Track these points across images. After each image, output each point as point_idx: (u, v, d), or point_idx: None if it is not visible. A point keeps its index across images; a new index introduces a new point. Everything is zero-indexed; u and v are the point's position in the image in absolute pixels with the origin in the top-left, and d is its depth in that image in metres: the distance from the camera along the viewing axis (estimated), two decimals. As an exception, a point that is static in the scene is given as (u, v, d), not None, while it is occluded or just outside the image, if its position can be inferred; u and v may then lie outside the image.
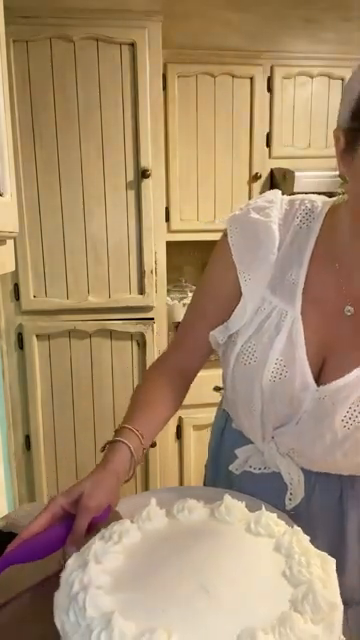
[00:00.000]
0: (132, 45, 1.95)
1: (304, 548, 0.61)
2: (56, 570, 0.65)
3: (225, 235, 0.89)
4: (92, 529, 0.70)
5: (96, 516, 0.71)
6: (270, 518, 0.66)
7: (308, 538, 0.63)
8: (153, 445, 2.23)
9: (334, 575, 0.57)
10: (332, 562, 0.59)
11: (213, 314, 0.91)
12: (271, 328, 0.83)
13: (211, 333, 0.92)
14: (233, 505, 0.68)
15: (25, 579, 0.67)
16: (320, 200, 0.88)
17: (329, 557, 0.60)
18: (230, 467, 0.95)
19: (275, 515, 0.67)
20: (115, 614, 0.48)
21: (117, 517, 0.74)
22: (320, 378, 0.82)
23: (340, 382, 0.79)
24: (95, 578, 0.54)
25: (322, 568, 0.57)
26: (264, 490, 0.88)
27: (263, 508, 0.68)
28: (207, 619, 0.51)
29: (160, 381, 0.94)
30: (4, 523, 0.84)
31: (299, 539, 0.62)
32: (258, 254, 0.85)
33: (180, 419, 2.32)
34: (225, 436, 1.01)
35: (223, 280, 0.89)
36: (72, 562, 0.59)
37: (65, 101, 1.97)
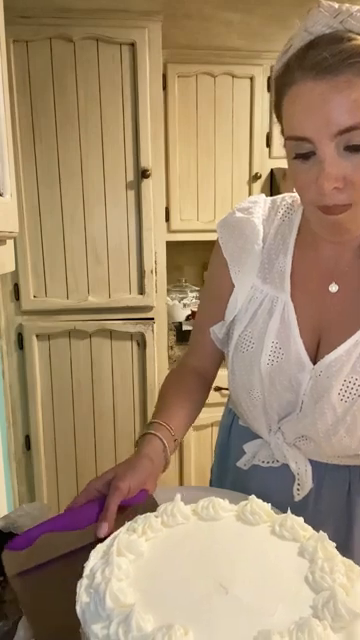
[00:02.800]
0: (132, 45, 1.95)
1: (329, 554, 0.60)
2: (89, 542, 0.69)
3: (217, 238, 0.96)
4: (127, 510, 0.73)
5: (131, 497, 0.74)
6: (296, 521, 0.65)
7: (334, 544, 0.62)
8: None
9: (359, 583, 0.56)
10: (358, 570, 0.58)
11: (217, 314, 0.95)
12: (264, 314, 0.87)
13: (211, 329, 0.96)
14: (260, 506, 0.68)
15: (61, 547, 0.70)
16: None
17: (355, 565, 0.59)
18: (238, 463, 0.97)
19: (301, 519, 0.66)
20: (135, 607, 0.49)
21: (153, 503, 0.77)
22: (316, 357, 0.85)
23: (331, 356, 0.81)
24: (117, 570, 0.55)
25: (347, 576, 0.56)
26: (272, 484, 0.90)
27: (289, 511, 0.66)
28: (224, 619, 0.51)
29: (181, 382, 0.99)
30: (4, 523, 0.84)
31: (324, 545, 0.61)
32: (245, 247, 0.91)
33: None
34: (232, 433, 1.04)
35: (220, 279, 0.94)
36: (96, 552, 0.60)
37: (65, 101, 1.97)
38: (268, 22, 2.20)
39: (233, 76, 2.29)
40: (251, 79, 2.30)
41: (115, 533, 0.64)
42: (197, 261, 2.79)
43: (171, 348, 2.34)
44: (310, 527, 0.65)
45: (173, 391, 0.97)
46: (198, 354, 1.02)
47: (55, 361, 2.17)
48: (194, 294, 2.74)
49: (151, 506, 0.75)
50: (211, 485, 1.12)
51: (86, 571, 0.57)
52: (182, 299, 2.70)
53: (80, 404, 2.21)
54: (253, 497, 0.70)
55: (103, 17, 1.92)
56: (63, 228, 2.06)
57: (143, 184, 2.05)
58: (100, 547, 0.61)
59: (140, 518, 0.66)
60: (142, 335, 2.17)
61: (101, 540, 0.65)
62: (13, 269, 0.90)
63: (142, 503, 0.75)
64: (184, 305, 2.67)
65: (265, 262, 0.90)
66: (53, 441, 2.22)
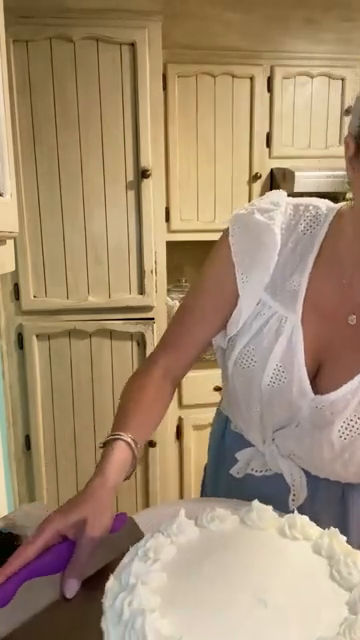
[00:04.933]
0: (132, 45, 1.95)
1: (346, 549, 0.59)
2: (54, 598, 0.62)
3: (226, 234, 0.87)
4: (106, 540, 0.66)
5: (114, 526, 0.68)
6: (304, 520, 0.63)
7: (345, 538, 0.61)
8: (153, 445, 2.23)
9: None
10: None
11: (212, 314, 0.89)
12: (270, 333, 0.82)
13: (214, 340, 0.91)
14: (263, 510, 0.65)
15: (42, 598, 0.62)
16: (325, 206, 0.87)
17: None
18: (231, 471, 0.94)
19: (307, 517, 0.65)
20: (183, 638, 0.46)
21: (133, 525, 0.71)
22: (316, 384, 0.81)
23: (337, 394, 0.78)
24: (146, 601, 0.51)
25: None
26: (266, 492, 0.88)
27: (295, 512, 0.66)
28: (274, 632, 0.48)
29: (150, 383, 0.90)
30: (4, 523, 0.84)
31: (338, 540, 0.60)
32: (258, 256, 0.83)
33: (180, 419, 2.32)
34: (225, 439, 1.01)
35: (222, 279, 0.87)
36: (111, 586, 0.56)
37: (65, 101, 1.97)
38: (268, 22, 2.20)
39: (233, 76, 2.29)
40: (251, 79, 2.30)
41: (124, 562, 0.59)
42: (197, 261, 2.78)
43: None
44: (315, 524, 0.64)
45: (142, 395, 0.88)
46: (178, 351, 0.92)
47: (55, 361, 2.17)
48: (194, 294, 2.73)
49: (132, 528, 0.70)
50: (204, 488, 1.10)
51: (107, 609, 0.52)
52: (182, 299, 2.70)
53: (80, 404, 2.21)
54: (255, 501, 0.67)
55: (103, 17, 1.92)
56: (63, 228, 2.06)
57: (143, 184, 2.05)
58: (113, 581, 0.57)
59: (148, 540, 0.61)
60: (142, 335, 2.17)
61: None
62: (13, 269, 0.90)
63: (123, 528, 0.69)
64: (184, 305, 2.67)
65: (277, 277, 0.83)
66: (53, 441, 2.22)
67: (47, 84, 1.95)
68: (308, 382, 0.80)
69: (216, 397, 2.04)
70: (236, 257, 0.85)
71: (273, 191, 0.91)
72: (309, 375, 0.81)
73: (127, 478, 0.77)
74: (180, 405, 2.28)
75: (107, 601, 0.53)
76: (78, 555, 0.63)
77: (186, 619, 0.50)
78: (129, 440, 0.77)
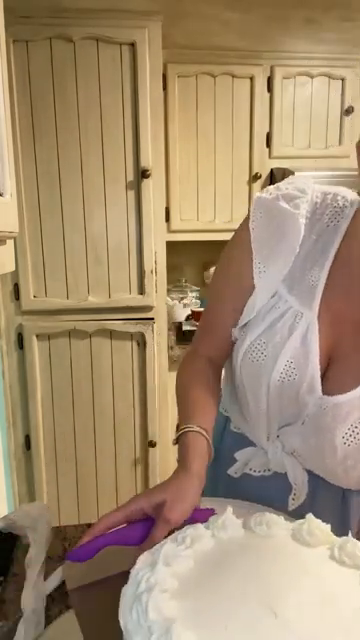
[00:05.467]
0: (132, 45, 1.95)
1: None
2: (123, 569, 0.65)
3: (248, 217, 0.83)
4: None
5: (194, 516, 0.69)
6: (357, 546, 0.59)
7: None
8: (153, 445, 2.23)
9: None
10: None
11: (231, 297, 0.87)
12: (284, 329, 0.79)
13: (232, 330, 0.90)
14: (317, 526, 0.62)
15: (118, 563, 0.66)
16: (352, 196, 0.83)
17: None
18: (229, 471, 0.94)
19: (320, 521, 0.63)
20: (176, 623, 0.47)
21: None
22: (323, 383, 0.80)
23: (344, 397, 0.77)
24: (162, 580, 0.52)
25: None
26: (264, 492, 0.88)
27: (350, 534, 0.61)
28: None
29: (202, 373, 0.90)
30: (4, 523, 0.84)
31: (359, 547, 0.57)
32: (278, 247, 0.80)
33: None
34: (224, 439, 1.00)
35: (241, 264, 0.84)
36: (143, 559, 0.58)
37: (65, 101, 1.97)
38: (268, 22, 2.20)
39: (233, 76, 2.29)
40: (251, 79, 2.31)
41: (162, 541, 0.61)
42: (197, 261, 2.79)
43: (171, 348, 2.34)
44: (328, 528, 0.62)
45: (197, 386, 0.88)
46: (211, 337, 0.92)
47: (55, 361, 2.17)
48: (194, 294, 2.74)
49: None
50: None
51: (131, 578, 0.55)
52: (182, 299, 2.70)
53: (80, 404, 2.21)
54: (310, 516, 0.63)
55: (103, 17, 1.92)
56: (63, 228, 2.06)
57: (143, 184, 2.05)
58: (147, 554, 0.59)
59: (189, 528, 0.62)
60: (142, 335, 2.17)
61: None
62: (13, 269, 0.90)
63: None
64: (184, 305, 2.67)
65: (296, 270, 0.80)
66: (53, 441, 2.22)
67: (47, 84, 1.95)
68: (319, 381, 0.79)
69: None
70: (255, 244, 0.82)
71: (299, 176, 0.87)
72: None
73: (209, 463, 0.79)
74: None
75: (133, 571, 0.55)
76: (153, 533, 0.67)
77: (191, 607, 0.50)
78: (199, 430, 0.79)
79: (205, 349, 0.93)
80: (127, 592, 0.53)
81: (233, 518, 0.63)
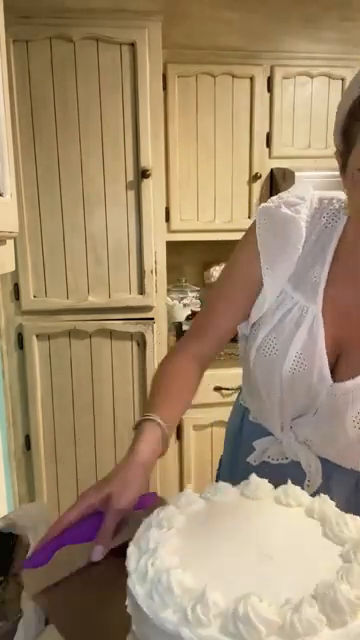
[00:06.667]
0: (132, 45, 1.95)
1: (336, 512, 0.65)
2: (82, 565, 0.69)
3: (254, 224, 0.91)
4: (134, 514, 0.73)
5: (141, 502, 0.74)
6: (296, 489, 0.71)
7: (334, 503, 0.67)
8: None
9: None
10: None
11: (239, 299, 0.93)
12: (292, 323, 0.86)
13: (238, 328, 0.96)
14: (260, 482, 0.73)
15: (76, 561, 0.70)
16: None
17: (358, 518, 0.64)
18: (248, 459, 0.98)
19: (299, 488, 0.72)
20: (207, 586, 0.51)
21: (163, 503, 0.76)
22: (335, 373, 0.85)
23: (353, 382, 0.82)
24: (168, 560, 0.57)
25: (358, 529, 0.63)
26: (281, 480, 0.91)
27: (289, 482, 0.73)
28: (283, 580, 0.55)
29: (180, 368, 0.95)
30: (4, 523, 0.84)
31: (328, 505, 0.67)
32: (283, 249, 0.87)
33: (180, 419, 2.31)
34: (243, 429, 1.05)
35: (247, 267, 0.91)
36: (132, 551, 0.61)
37: (65, 101, 1.97)
38: (268, 21, 2.20)
39: (233, 76, 2.29)
40: (251, 79, 2.30)
41: (140, 531, 0.64)
42: (197, 261, 2.79)
43: (171, 348, 2.34)
44: (306, 493, 0.71)
45: (173, 379, 0.93)
46: (207, 337, 0.97)
47: (55, 361, 2.17)
48: (194, 294, 2.74)
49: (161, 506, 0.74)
50: (219, 478, 1.13)
51: (131, 568, 0.58)
52: (182, 299, 2.70)
53: (80, 404, 2.21)
54: (253, 475, 0.73)
55: (103, 17, 1.92)
56: (63, 228, 2.06)
57: (143, 184, 2.05)
58: (134, 545, 0.62)
59: (161, 511, 0.66)
60: (142, 335, 2.17)
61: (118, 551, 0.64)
62: (13, 269, 0.90)
63: (152, 506, 0.74)
64: (184, 305, 2.67)
65: (300, 268, 0.87)
66: (53, 441, 2.22)
67: (47, 84, 1.95)
68: (328, 369, 0.84)
69: (216, 397, 2.04)
70: (262, 247, 0.89)
71: (299, 185, 0.96)
72: (329, 363, 0.85)
73: (162, 455, 0.84)
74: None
75: (131, 564, 0.59)
76: (105, 525, 0.70)
77: (204, 573, 0.56)
78: (157, 420, 0.82)
79: (197, 347, 0.97)
80: (136, 583, 0.57)
81: (193, 494, 0.71)
